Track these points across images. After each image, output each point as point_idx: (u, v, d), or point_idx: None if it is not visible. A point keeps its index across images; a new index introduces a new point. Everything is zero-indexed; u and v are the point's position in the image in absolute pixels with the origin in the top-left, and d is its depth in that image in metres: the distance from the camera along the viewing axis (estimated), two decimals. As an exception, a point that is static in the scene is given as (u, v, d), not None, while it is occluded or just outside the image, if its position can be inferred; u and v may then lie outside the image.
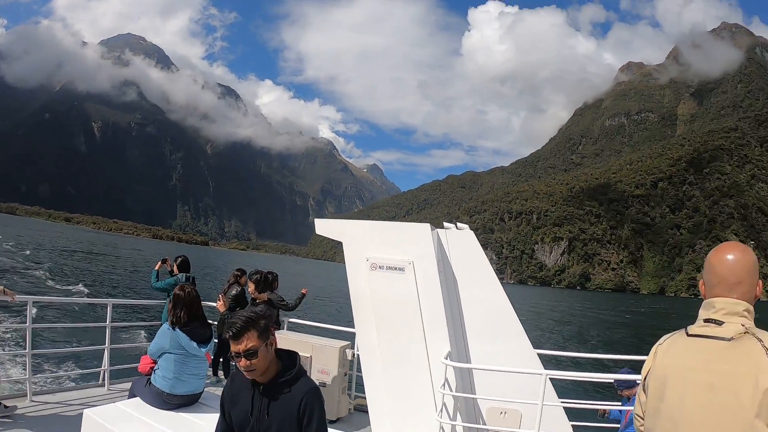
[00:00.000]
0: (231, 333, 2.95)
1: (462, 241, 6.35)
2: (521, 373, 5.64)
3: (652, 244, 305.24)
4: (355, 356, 7.79)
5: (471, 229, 6.39)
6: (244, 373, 3.05)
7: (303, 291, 9.57)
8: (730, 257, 2.05)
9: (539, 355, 6.22)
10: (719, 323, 1.97)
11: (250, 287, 7.91)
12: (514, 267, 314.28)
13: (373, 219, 6.11)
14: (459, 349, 6.27)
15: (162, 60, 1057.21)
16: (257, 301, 7.80)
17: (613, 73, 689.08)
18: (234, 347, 2.94)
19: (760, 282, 2.04)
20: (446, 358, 5.51)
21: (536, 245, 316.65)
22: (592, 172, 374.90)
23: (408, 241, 5.89)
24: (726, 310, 1.99)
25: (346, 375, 7.64)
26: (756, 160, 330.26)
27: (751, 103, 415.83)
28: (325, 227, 6.22)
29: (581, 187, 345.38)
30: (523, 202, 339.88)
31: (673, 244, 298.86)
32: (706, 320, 2.01)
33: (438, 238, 6.19)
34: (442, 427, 5.50)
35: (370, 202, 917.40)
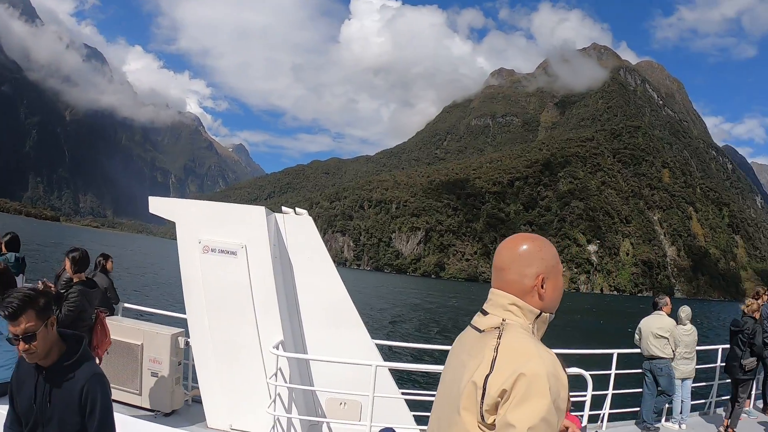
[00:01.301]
0: (6, 313, 2.66)
1: (300, 227, 6.28)
2: (349, 363, 5.61)
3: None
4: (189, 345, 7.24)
5: (310, 215, 6.34)
6: (24, 357, 2.81)
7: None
8: (503, 244, 2.04)
9: (379, 345, 6.22)
10: (485, 313, 1.97)
11: (66, 265, 6.94)
12: (371, 254, 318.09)
13: (234, 201, 5.39)
14: (295, 338, 6.21)
15: (27, 11, 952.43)
16: (74, 281, 6.80)
17: (484, 76, 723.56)
18: (11, 329, 2.69)
19: (541, 277, 1.91)
20: (278, 348, 5.46)
21: (394, 234, 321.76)
22: (453, 167, 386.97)
23: (241, 223, 5.78)
24: (494, 301, 1.96)
25: (180, 364, 6.96)
26: (607, 168, 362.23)
27: (609, 118, 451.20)
28: (158, 206, 5.96)
29: (441, 180, 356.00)
30: (384, 191, 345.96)
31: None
32: (480, 310, 2.00)
33: (275, 223, 6.09)
34: (277, 420, 5.51)
35: (233, 182, 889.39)
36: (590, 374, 6.66)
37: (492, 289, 1.98)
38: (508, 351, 1.78)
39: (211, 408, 5.79)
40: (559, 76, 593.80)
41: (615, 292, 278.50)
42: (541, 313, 1.94)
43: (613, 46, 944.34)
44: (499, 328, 1.86)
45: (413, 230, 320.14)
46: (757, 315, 9.10)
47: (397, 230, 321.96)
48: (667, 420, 9.28)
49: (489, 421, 1.73)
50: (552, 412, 1.67)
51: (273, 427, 5.51)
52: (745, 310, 9.18)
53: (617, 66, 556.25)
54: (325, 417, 6.00)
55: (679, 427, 9.10)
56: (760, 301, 9.50)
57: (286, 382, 5.47)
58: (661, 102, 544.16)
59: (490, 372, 1.74)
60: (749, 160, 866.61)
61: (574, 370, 6.54)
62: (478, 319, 1.98)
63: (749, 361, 8.83)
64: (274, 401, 5.38)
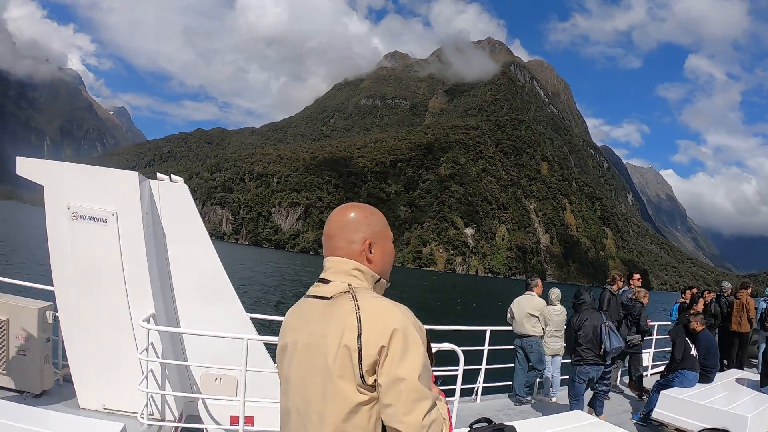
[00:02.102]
0: None
1: (174, 195, 6.10)
2: (221, 336, 5.55)
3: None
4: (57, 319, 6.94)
5: (190, 186, 6.13)
6: None
7: None
8: (332, 214, 2.04)
9: (255, 320, 6.16)
10: (326, 282, 1.94)
11: None
12: (250, 228, 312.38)
13: (112, 167, 5.66)
14: (167, 312, 6.07)
15: None
16: None
17: (378, 57, 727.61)
18: None
19: (368, 242, 1.93)
20: (149, 321, 5.30)
21: (273, 209, 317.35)
22: (338, 145, 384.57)
23: (113, 189, 5.55)
24: (334, 269, 1.94)
25: (49, 341, 6.52)
26: (489, 157, 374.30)
27: (495, 109, 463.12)
28: (27, 167, 5.62)
29: (325, 157, 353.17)
30: (266, 164, 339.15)
31: (404, 219, 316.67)
32: (319, 279, 1.97)
33: (149, 190, 5.92)
34: (151, 397, 5.44)
35: (113, 147, 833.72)
36: (462, 350, 6.81)
37: (329, 258, 1.97)
38: (370, 310, 1.77)
39: (83, 387, 5.53)
40: (451, 64, 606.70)
41: (489, 274, 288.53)
42: (380, 279, 1.98)
43: (507, 42, 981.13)
44: (349, 292, 1.86)
45: (293, 206, 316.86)
46: (645, 300, 10.38)
47: (277, 205, 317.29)
48: (538, 393, 9.75)
49: (369, 381, 1.73)
50: (426, 357, 1.74)
51: (146, 404, 5.35)
52: (633, 297, 10.52)
53: (509, 61, 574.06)
54: (200, 393, 5.85)
55: (550, 400, 9.59)
56: (615, 286, 10.37)
57: (158, 357, 5.32)
58: (547, 100, 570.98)
59: (360, 332, 1.73)
60: (624, 161, 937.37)
61: (446, 346, 6.68)
62: (319, 289, 1.95)
63: (634, 338, 10.17)
64: (146, 378, 5.22)
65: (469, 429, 2.71)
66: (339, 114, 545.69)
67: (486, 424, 2.65)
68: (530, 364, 9.02)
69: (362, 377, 1.70)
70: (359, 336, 1.72)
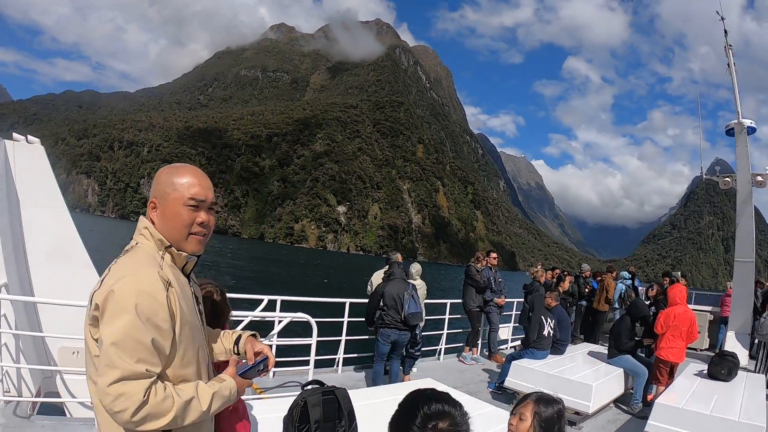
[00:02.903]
0: None
1: (30, 158, 5.83)
2: (78, 306, 4.97)
3: (257, 192, 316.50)
4: None
5: (55, 152, 5.91)
6: None
7: None
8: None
9: None
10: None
11: None
12: (117, 200, 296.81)
13: None
14: (21, 280, 5.68)
15: None
16: None
17: (263, 28, 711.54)
18: None
19: (153, 202, 1.98)
20: (1, 291, 4.98)
21: (142, 180, 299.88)
22: (214, 116, 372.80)
23: None
24: (137, 226, 1.98)
25: None
26: (366, 136, 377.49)
27: (376, 90, 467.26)
28: None
29: (199, 127, 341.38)
30: (137, 132, 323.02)
31: (277, 194, 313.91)
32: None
33: (4, 151, 5.64)
34: (6, 373, 5.14)
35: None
36: (318, 321, 6.93)
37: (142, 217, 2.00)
38: (114, 269, 1.81)
39: None
40: (337, 42, 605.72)
41: (361, 252, 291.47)
42: (171, 246, 1.95)
43: (395, 26, 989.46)
44: (127, 250, 1.90)
45: None
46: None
47: (146, 176, 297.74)
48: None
49: (95, 336, 1.76)
50: (141, 329, 1.69)
51: (1, 380, 4.98)
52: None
53: (395, 44, 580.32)
54: (57, 367, 5.46)
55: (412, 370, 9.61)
56: (479, 265, 11.08)
57: (11, 328, 4.90)
58: (428, 85, 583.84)
59: (98, 288, 1.77)
60: (499, 150, 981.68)
61: (300, 315, 6.87)
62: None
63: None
64: (0, 351, 4.86)
65: (301, 389, 2.71)
66: (218, 83, 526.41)
67: (318, 385, 2.84)
68: None
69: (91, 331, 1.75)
70: (95, 292, 1.77)
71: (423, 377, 7.26)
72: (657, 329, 8.55)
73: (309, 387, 2.70)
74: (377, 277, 9.21)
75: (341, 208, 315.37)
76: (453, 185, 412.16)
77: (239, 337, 2.33)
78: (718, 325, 15.09)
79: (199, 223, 1.95)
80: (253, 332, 2.38)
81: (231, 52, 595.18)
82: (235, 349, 2.32)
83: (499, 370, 9.38)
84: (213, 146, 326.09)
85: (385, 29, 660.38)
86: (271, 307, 7.11)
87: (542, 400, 2.38)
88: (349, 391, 2.86)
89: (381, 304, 7.89)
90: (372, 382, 8.14)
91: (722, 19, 13.60)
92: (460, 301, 11.11)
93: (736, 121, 13.09)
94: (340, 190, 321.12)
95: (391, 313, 7.81)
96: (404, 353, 8.44)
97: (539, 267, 12.43)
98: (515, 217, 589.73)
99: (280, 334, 7.20)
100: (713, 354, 8.37)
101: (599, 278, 14.15)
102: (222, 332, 2.39)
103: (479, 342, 11.66)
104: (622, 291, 13.30)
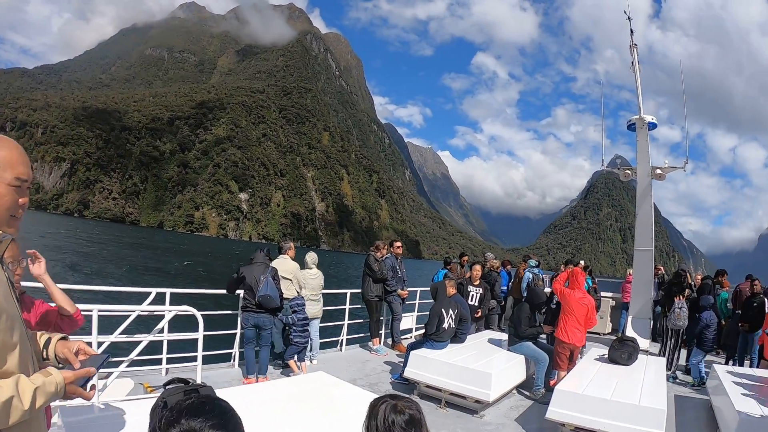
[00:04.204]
0: None
1: None
2: None
3: (157, 178, 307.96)
4: None
5: None
6: None
7: None
8: None
9: None
10: None
11: None
12: None
13: None
14: None
15: None
16: None
17: (172, 6, 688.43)
18: None
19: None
20: None
21: (36, 163, 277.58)
22: (115, 96, 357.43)
23: None
24: None
25: None
26: (271, 122, 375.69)
27: (284, 76, 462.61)
28: None
29: (98, 108, 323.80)
30: (32, 111, 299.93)
31: (177, 180, 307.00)
32: None
33: None
34: None
35: None
36: (204, 314, 6.74)
37: None
38: None
39: None
40: (248, 23, 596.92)
41: (263, 240, 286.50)
42: None
43: (307, 11, 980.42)
44: None
45: (58, 161, 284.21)
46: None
47: (40, 159, 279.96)
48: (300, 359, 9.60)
49: None
50: None
51: None
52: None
53: (306, 30, 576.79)
54: None
55: (311, 362, 9.54)
56: (378, 254, 11.00)
57: None
58: (338, 73, 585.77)
59: None
60: (406, 140, 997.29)
61: (184, 308, 6.63)
62: None
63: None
64: None
65: (163, 389, 2.57)
66: (122, 62, 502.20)
67: (181, 384, 2.51)
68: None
69: None
70: None
71: (324, 369, 7.35)
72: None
73: (171, 386, 2.32)
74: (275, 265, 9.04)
75: (243, 196, 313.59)
76: (358, 174, 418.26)
77: (48, 340, 2.06)
78: (620, 310, 15.63)
79: (21, 206, 1.70)
80: (62, 335, 2.12)
81: (137, 29, 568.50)
82: (44, 353, 2.05)
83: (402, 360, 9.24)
84: (111, 128, 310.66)
85: (298, 14, 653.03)
86: (159, 300, 6.99)
87: (385, 409, 1.99)
88: (218, 390, 2.67)
89: (241, 286, 8.07)
90: (245, 369, 8.17)
91: (629, 19, 14.00)
92: (359, 291, 11.06)
93: (638, 116, 13.53)
94: (242, 177, 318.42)
95: (248, 295, 7.94)
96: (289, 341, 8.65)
97: (493, 259, 13.91)
98: (420, 206, 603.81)
99: (170, 329, 7.10)
100: (615, 338, 8.81)
101: (508, 268, 14.98)
102: (36, 333, 2.11)
103: (381, 332, 11.59)
104: (530, 279, 13.38)
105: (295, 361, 8.57)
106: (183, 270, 56.48)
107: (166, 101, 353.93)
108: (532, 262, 14.22)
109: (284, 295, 8.65)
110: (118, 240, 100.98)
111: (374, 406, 1.94)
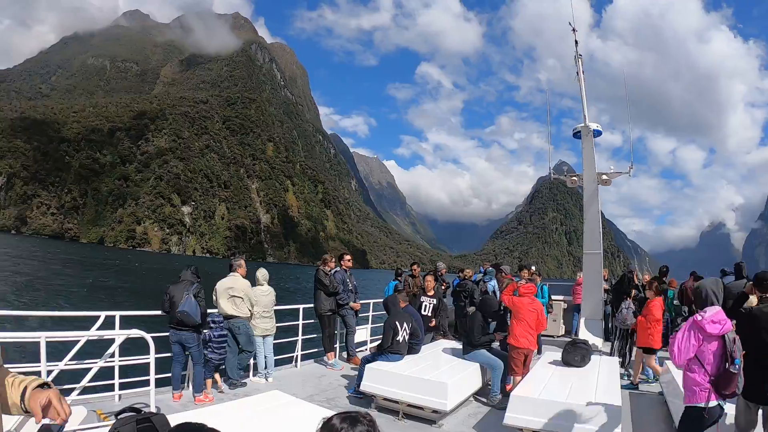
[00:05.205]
0: None
1: None
2: None
3: (97, 192, 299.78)
4: None
5: None
6: None
7: None
8: None
9: None
10: None
11: None
12: None
13: None
14: None
15: None
16: None
17: (115, 14, 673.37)
18: None
19: None
20: None
21: None
22: (53, 107, 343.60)
23: None
24: None
25: None
26: (214, 133, 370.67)
27: (228, 86, 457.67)
28: None
29: (36, 119, 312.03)
30: None
31: (118, 194, 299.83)
32: None
33: None
34: None
35: None
36: (153, 336, 6.63)
37: None
38: None
39: None
40: (193, 32, 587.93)
41: (208, 255, 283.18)
42: None
43: (252, 20, 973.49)
44: None
45: None
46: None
47: None
48: (254, 375, 9.66)
49: None
50: None
51: None
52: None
53: (251, 40, 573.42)
54: None
55: (266, 380, 9.48)
56: (326, 267, 11.00)
57: None
58: (283, 83, 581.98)
59: None
60: (351, 150, 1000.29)
61: (135, 332, 6.52)
62: None
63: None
64: None
65: (115, 418, 2.44)
66: (63, 71, 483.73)
67: (134, 413, 2.38)
68: (240, 346, 8.90)
69: None
70: None
71: (280, 386, 7.20)
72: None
73: (122, 416, 2.36)
74: (221, 285, 9.02)
75: (186, 209, 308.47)
76: (303, 184, 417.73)
77: (25, 389, 1.90)
78: (572, 312, 15.81)
79: None
80: (43, 380, 1.96)
81: (79, 37, 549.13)
82: (23, 406, 1.90)
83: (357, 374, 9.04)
84: (50, 140, 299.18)
85: (243, 23, 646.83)
86: (109, 323, 6.91)
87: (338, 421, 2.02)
88: (171, 415, 2.56)
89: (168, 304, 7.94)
90: (193, 388, 8.07)
91: (574, 30, 14.04)
92: (312, 305, 10.97)
93: (583, 124, 13.62)
94: (185, 190, 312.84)
95: (173, 312, 7.80)
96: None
97: (468, 270, 14.19)
98: (367, 216, 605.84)
99: (122, 353, 7.05)
100: (569, 340, 8.80)
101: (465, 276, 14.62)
102: (6, 374, 1.97)
103: (336, 346, 11.49)
104: (494, 287, 13.27)
105: (212, 381, 8.45)
106: (123, 287, 53.59)
107: (107, 112, 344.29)
108: (490, 270, 14.12)
109: (236, 314, 8.85)
110: (56, 257, 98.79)
111: (327, 422, 1.78)
